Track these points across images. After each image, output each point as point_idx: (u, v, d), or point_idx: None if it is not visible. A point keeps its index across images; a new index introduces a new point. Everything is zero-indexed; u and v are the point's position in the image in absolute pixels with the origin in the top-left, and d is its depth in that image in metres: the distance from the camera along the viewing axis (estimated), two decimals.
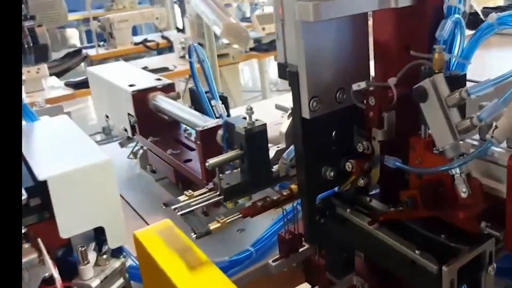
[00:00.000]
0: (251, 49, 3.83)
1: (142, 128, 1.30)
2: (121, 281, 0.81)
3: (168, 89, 1.33)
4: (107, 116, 1.49)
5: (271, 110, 1.15)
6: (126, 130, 1.36)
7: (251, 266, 0.96)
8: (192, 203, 0.75)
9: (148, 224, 1.09)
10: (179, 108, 1.21)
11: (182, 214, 0.72)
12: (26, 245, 0.73)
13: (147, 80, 1.36)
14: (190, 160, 1.15)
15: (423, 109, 0.61)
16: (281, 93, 4.22)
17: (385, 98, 0.69)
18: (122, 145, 1.45)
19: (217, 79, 2.30)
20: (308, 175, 0.74)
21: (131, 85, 1.31)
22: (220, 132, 0.98)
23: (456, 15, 0.68)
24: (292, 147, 0.81)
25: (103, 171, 0.80)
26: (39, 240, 0.73)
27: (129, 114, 1.31)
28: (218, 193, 0.78)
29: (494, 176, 0.61)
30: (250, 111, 0.81)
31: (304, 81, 0.70)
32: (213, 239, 0.96)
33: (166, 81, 1.36)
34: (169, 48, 4.47)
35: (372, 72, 0.79)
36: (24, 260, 0.71)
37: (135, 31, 5.57)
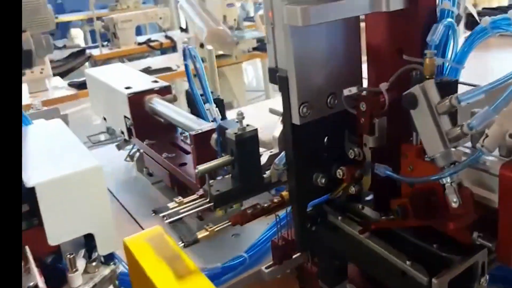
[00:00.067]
0: (254, 49, 3.80)
1: (138, 131, 1.29)
2: None
3: (164, 91, 1.32)
4: (104, 119, 1.49)
5: None
6: (123, 132, 1.35)
7: (244, 272, 0.94)
8: (181, 211, 0.73)
9: (143, 229, 1.08)
10: (175, 111, 1.20)
11: (170, 222, 0.71)
12: None
13: (144, 83, 1.35)
14: (185, 164, 1.13)
15: (413, 116, 0.60)
16: None
17: (377, 103, 0.68)
18: (119, 147, 1.45)
19: (215, 81, 2.28)
20: (298, 181, 0.72)
21: (127, 88, 1.30)
22: (214, 136, 0.97)
23: (449, 19, 0.66)
24: (284, 152, 0.80)
25: (93, 178, 0.79)
26: (27, 247, 0.72)
27: (125, 116, 1.30)
28: (208, 200, 0.77)
29: (486, 185, 0.60)
30: (240, 116, 0.80)
31: (294, 86, 0.69)
32: (207, 244, 0.95)
33: (163, 83, 1.35)
34: (173, 48, 4.47)
35: (366, 76, 0.77)
36: None
37: (139, 31, 5.57)
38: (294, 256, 0.84)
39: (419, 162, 0.63)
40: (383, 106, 0.68)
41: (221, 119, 1.11)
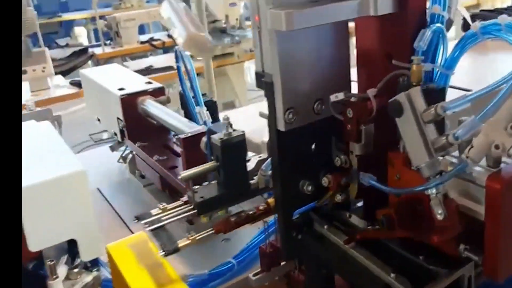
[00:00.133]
0: None
1: (131, 132, 1.28)
2: None
3: (158, 93, 1.30)
4: (98, 120, 1.47)
5: None
6: (116, 134, 1.34)
7: (232, 278, 0.93)
8: (163, 218, 0.72)
9: (133, 233, 1.06)
10: (167, 113, 1.19)
11: (151, 230, 0.70)
12: None
13: (137, 84, 1.34)
14: (176, 167, 1.12)
15: (398, 124, 0.58)
16: None
17: (364, 110, 0.66)
18: (113, 149, 1.43)
19: (211, 83, 2.26)
20: (284, 189, 0.71)
21: (120, 89, 1.29)
22: (204, 139, 0.96)
23: (438, 24, 0.64)
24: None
25: (77, 182, 0.77)
26: None
27: (118, 118, 1.29)
28: (192, 206, 0.75)
29: (473, 196, 0.58)
30: (226, 120, 0.78)
31: (279, 92, 0.67)
32: (197, 249, 0.93)
33: (156, 84, 1.33)
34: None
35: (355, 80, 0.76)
36: None
37: (142, 30, 5.56)
38: (282, 263, 0.83)
39: (406, 171, 0.61)
40: (370, 112, 0.66)
41: (213, 122, 1.10)
